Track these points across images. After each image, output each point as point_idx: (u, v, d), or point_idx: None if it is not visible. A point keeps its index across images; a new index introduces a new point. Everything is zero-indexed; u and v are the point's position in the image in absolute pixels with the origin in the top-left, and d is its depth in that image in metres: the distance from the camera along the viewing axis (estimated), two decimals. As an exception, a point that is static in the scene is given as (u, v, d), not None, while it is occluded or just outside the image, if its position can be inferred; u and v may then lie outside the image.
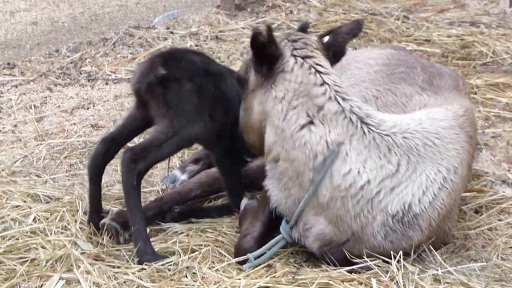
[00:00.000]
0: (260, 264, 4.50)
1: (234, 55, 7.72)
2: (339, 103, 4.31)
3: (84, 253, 4.57)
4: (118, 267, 4.50)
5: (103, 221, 4.77)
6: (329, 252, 4.47)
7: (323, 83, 4.34)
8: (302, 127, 4.31)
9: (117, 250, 4.68)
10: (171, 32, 8.33)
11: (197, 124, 4.65)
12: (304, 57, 4.38)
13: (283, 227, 4.56)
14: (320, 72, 4.36)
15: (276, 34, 4.38)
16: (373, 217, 4.33)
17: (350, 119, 4.30)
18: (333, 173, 4.29)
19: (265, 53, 4.33)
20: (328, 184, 4.31)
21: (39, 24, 8.81)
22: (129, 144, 4.94)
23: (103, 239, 4.74)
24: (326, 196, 4.33)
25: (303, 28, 4.67)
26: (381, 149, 4.32)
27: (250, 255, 4.50)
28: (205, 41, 8.14)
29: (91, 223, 4.83)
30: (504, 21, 8.49)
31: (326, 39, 4.57)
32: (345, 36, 4.59)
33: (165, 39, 8.16)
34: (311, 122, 4.31)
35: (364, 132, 4.31)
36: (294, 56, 4.39)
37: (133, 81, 4.76)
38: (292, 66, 4.36)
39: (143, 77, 4.66)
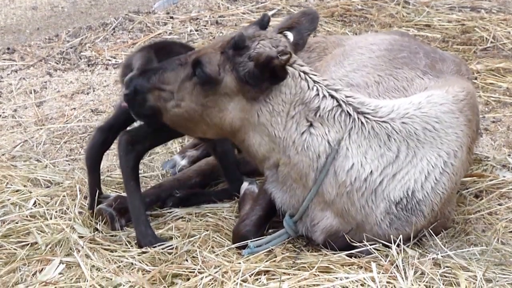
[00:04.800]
0: (259, 251, 4.51)
1: (234, 40, 7.68)
2: (332, 97, 4.33)
3: (82, 237, 4.58)
4: (116, 251, 4.52)
5: (98, 206, 4.78)
6: (333, 241, 4.49)
7: (314, 83, 4.34)
8: (303, 132, 4.33)
9: (112, 235, 4.68)
10: (171, 17, 8.30)
11: None
12: (291, 64, 4.32)
13: (286, 222, 4.57)
14: (306, 73, 4.35)
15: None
16: (376, 206, 4.35)
17: (347, 112, 4.32)
18: (337, 170, 4.32)
19: (275, 75, 4.26)
20: (333, 181, 4.33)
21: (39, 9, 8.78)
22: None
23: (96, 223, 4.74)
24: (332, 193, 4.35)
25: (264, 20, 4.49)
26: (381, 137, 4.35)
27: (250, 243, 4.51)
28: (205, 26, 8.12)
29: (91, 209, 4.83)
30: (504, 6, 8.44)
31: (288, 34, 4.52)
32: (308, 31, 4.59)
33: (165, 24, 8.13)
34: (311, 125, 4.33)
35: (362, 122, 4.33)
36: None
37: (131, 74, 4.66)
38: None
39: None
